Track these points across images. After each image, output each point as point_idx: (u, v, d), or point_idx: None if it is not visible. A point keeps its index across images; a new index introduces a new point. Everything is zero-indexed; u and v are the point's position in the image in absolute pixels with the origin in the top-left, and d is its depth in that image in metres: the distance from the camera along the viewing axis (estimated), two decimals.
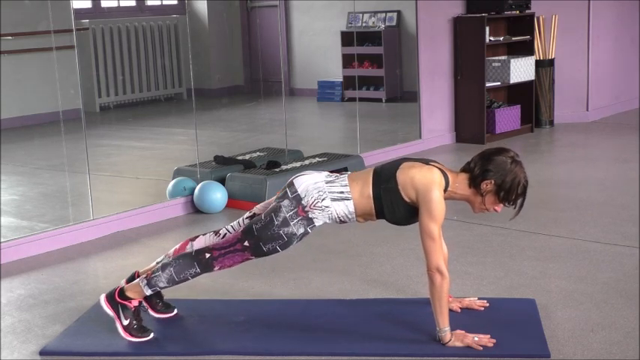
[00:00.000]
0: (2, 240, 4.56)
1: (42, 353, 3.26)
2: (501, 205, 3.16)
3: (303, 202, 3.17)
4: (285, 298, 3.78)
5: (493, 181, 3.10)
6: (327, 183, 3.20)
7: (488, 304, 3.50)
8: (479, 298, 3.55)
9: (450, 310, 3.37)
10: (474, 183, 3.13)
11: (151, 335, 3.31)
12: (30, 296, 3.96)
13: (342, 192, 3.18)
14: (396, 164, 3.21)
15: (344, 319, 3.45)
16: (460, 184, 3.16)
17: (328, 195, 3.18)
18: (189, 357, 3.19)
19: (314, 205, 3.17)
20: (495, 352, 3.07)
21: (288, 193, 3.20)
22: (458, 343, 3.11)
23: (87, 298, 3.84)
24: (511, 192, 3.11)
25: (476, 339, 3.11)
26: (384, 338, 3.23)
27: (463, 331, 3.15)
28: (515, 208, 3.17)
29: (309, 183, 3.20)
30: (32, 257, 4.56)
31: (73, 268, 4.39)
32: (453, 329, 3.13)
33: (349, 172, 3.32)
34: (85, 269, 4.44)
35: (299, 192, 3.18)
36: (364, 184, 3.19)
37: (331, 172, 3.37)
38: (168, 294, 3.57)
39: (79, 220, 4.93)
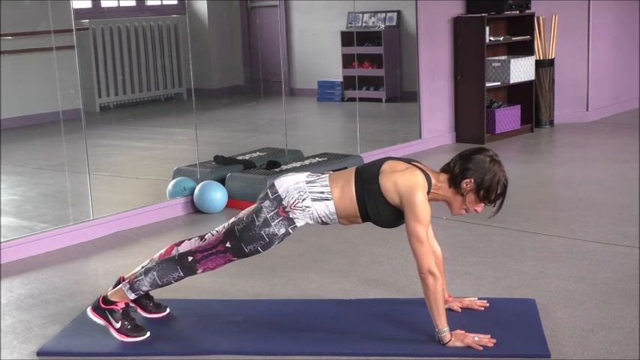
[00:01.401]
0: (2, 240, 4.56)
1: (39, 354, 3.26)
2: (482, 204, 3.16)
3: (283, 202, 3.17)
4: (285, 298, 3.77)
5: (473, 180, 3.10)
6: (307, 183, 3.20)
7: (488, 304, 3.50)
8: (479, 298, 3.55)
9: (450, 310, 3.38)
10: (454, 182, 3.14)
11: (148, 334, 3.31)
12: (30, 296, 3.95)
13: (322, 192, 3.18)
14: (378, 164, 3.20)
15: (344, 319, 3.45)
16: (442, 184, 3.17)
17: (309, 195, 3.17)
18: (187, 357, 3.18)
19: (294, 206, 3.17)
20: (495, 352, 3.07)
21: (269, 193, 3.21)
22: (458, 343, 3.10)
23: (87, 298, 3.83)
24: (491, 191, 3.11)
25: (476, 339, 3.11)
26: (384, 338, 3.23)
27: (463, 331, 3.15)
28: (494, 206, 3.17)
29: (290, 184, 3.20)
30: (32, 257, 4.56)
31: (73, 268, 4.39)
32: (452, 329, 3.13)
33: (330, 173, 3.31)
34: (85, 269, 4.44)
35: (279, 192, 3.19)
36: (345, 183, 3.18)
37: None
38: (167, 294, 3.57)
39: (79, 220, 4.93)
